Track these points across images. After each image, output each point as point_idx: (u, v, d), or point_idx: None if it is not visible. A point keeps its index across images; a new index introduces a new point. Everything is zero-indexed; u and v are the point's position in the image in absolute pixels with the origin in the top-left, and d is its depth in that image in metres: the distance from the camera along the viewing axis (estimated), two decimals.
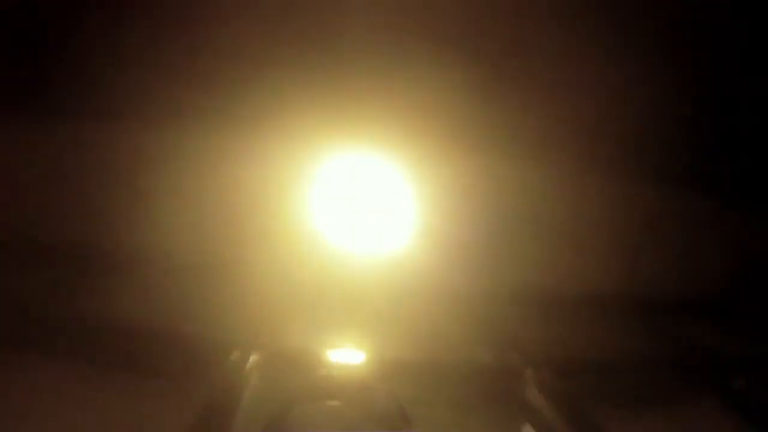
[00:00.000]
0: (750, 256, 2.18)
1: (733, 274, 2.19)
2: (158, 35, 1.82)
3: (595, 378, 1.79)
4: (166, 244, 1.91)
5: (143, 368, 1.56)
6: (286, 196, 1.95)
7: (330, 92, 1.87)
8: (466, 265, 2.02)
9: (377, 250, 1.99)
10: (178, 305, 1.81)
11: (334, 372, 0.83)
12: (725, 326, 2.11)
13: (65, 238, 1.95)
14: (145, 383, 1.52)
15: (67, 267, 1.89)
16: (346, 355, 1.52)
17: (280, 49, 1.84)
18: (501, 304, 1.95)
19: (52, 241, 1.94)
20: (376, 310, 1.76)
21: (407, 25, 1.88)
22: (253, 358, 1.54)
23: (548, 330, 1.95)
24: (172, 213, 1.89)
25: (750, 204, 2.17)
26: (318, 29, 1.85)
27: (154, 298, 1.82)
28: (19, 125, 1.91)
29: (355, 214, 1.99)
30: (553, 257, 2.12)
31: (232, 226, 1.97)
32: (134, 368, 1.56)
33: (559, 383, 1.65)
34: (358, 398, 0.76)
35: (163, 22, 1.80)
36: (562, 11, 1.94)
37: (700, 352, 2.03)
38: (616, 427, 1.49)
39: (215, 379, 1.48)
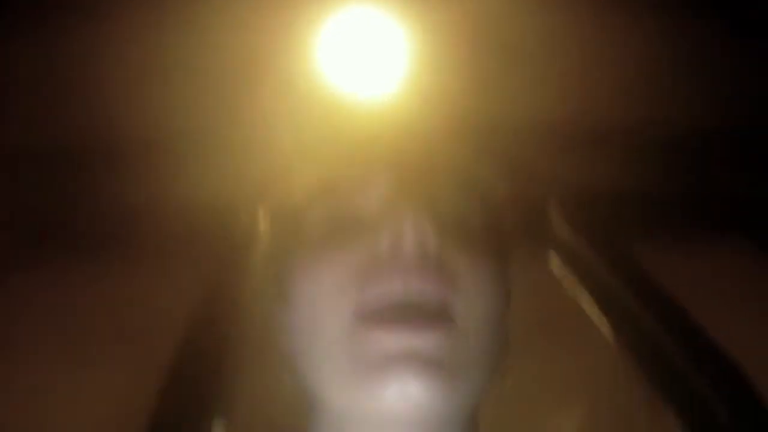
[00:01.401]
0: None
1: (756, 101, 2.05)
2: None
3: (619, 208, 1.74)
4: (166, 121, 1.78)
5: (154, 248, 1.51)
6: (286, 49, 1.81)
7: None
8: (472, 98, 1.90)
9: (381, 92, 1.88)
10: (182, 178, 1.73)
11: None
12: (747, 160, 2.02)
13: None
14: (154, 260, 1.48)
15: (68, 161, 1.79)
16: None
17: None
18: (514, 136, 1.85)
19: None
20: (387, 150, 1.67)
21: None
22: (261, 214, 1.48)
23: (567, 162, 1.87)
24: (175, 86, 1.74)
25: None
26: None
27: (156, 176, 1.73)
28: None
29: (356, 59, 1.86)
30: (564, 88, 1.99)
31: (233, 90, 1.83)
32: (144, 250, 1.52)
33: (583, 212, 1.60)
34: None
35: None
36: None
37: (723, 185, 1.95)
38: (642, 255, 1.44)
39: (225, 242, 1.43)
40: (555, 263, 1.50)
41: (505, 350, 0.62)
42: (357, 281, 0.51)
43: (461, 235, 0.56)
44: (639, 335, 1.23)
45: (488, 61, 1.88)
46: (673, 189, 1.91)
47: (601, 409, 1.43)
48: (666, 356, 1.15)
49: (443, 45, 1.89)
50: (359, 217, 0.56)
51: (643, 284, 1.31)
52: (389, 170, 0.58)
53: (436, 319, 0.49)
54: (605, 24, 1.98)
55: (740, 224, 1.85)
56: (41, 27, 1.68)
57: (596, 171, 1.87)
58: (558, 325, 1.43)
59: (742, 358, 1.12)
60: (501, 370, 0.61)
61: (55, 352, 1.49)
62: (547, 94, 1.97)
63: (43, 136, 1.80)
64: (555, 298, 1.47)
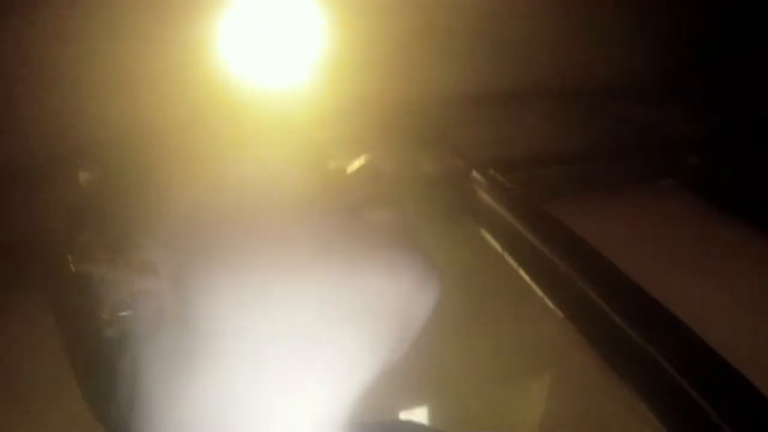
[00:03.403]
0: (690, 33, 2.04)
1: (672, 53, 2.07)
2: None
3: (543, 172, 1.72)
4: None
5: None
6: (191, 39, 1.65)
7: None
8: (391, 77, 1.85)
9: (294, 80, 1.76)
10: None
11: None
12: (670, 108, 2.04)
13: None
14: None
15: None
16: None
17: None
18: (432, 109, 1.81)
19: None
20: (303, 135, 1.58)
21: None
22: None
23: (487, 130, 1.84)
24: None
25: None
26: None
27: None
28: None
29: (266, 46, 1.71)
30: (478, 55, 1.95)
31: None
32: None
33: (508, 182, 1.57)
34: None
35: None
36: None
37: (649, 135, 1.97)
38: (574, 217, 1.42)
39: None
40: (485, 234, 1.47)
41: None
42: None
43: None
44: (575, 297, 1.21)
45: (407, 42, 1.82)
46: (598, 143, 1.90)
47: (553, 378, 1.41)
48: (602, 313, 1.13)
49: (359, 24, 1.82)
50: None
51: (571, 245, 1.29)
52: None
53: None
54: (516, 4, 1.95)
55: (672, 167, 1.86)
56: None
57: (517, 135, 1.84)
58: (501, 298, 1.40)
59: (680, 303, 1.10)
60: None
61: None
62: (458, 65, 1.93)
63: None
64: (495, 271, 1.44)
